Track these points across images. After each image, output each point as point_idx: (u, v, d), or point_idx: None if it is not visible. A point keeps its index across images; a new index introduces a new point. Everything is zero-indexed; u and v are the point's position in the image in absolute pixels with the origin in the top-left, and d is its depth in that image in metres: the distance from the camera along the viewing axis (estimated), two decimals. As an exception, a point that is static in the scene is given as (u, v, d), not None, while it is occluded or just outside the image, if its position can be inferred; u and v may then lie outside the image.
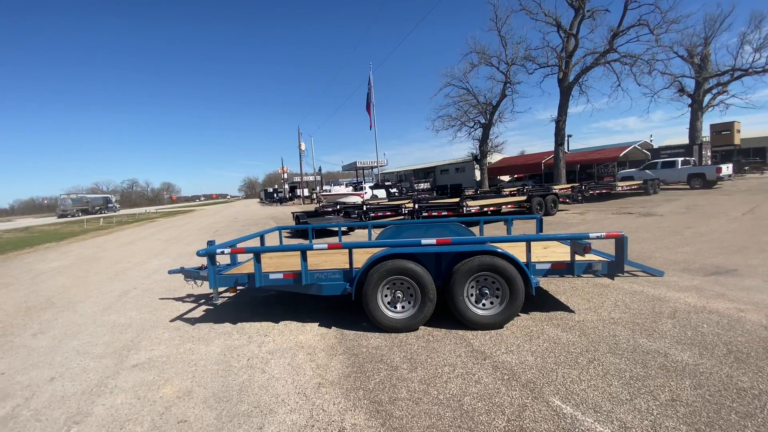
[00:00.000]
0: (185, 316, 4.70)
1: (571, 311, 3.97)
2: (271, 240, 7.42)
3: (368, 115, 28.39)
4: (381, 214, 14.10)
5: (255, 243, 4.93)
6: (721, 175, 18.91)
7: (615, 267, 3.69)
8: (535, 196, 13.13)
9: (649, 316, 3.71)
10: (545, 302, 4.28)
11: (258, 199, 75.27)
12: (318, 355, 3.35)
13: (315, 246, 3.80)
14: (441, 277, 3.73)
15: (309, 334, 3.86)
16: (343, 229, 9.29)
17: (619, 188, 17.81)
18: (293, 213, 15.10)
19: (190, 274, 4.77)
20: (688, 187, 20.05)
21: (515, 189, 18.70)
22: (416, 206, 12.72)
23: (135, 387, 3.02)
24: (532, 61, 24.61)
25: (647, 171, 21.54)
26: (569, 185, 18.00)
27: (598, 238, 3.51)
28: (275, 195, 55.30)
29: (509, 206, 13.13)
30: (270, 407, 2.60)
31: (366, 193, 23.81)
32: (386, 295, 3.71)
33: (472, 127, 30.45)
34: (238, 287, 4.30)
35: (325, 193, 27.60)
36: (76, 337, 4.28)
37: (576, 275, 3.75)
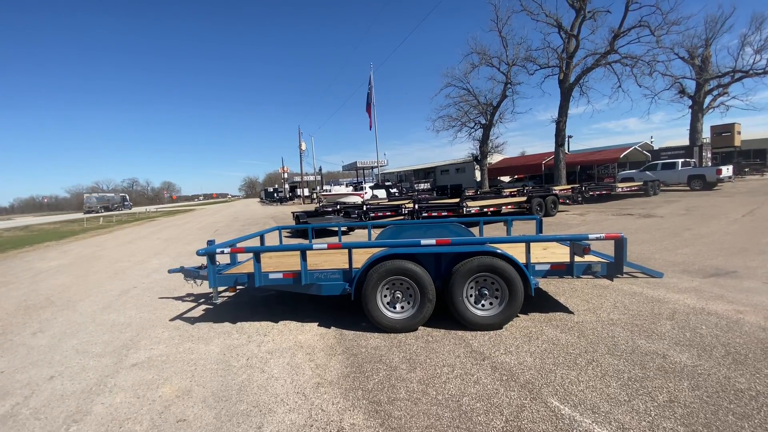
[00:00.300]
0: (185, 316, 4.70)
1: (570, 312, 3.98)
2: (271, 240, 7.43)
3: (368, 115, 28.40)
4: (381, 214, 14.11)
5: (255, 243, 4.94)
6: (721, 176, 18.91)
7: (614, 268, 3.70)
8: (535, 197, 13.13)
9: (648, 317, 3.71)
10: (544, 303, 4.28)
11: (258, 199, 75.28)
12: (317, 355, 3.35)
13: (315, 246, 3.80)
14: (440, 277, 3.73)
15: (308, 333, 3.86)
16: (343, 229, 9.30)
17: (620, 189, 17.81)
18: (293, 213, 15.11)
19: (190, 274, 4.78)
20: (688, 188, 20.05)
21: (515, 190, 18.69)
22: (416, 206, 12.73)
23: (134, 386, 3.02)
24: (533, 61, 24.65)
25: (647, 172, 21.55)
26: (569, 186, 18.00)
27: (597, 239, 3.52)
28: (275, 195, 55.33)
29: (509, 207, 13.13)
30: (269, 407, 2.61)
31: (366, 193, 23.82)
32: (386, 296, 3.71)
33: (473, 127, 30.48)
34: (238, 287, 4.31)
35: (325, 193, 27.62)
36: (76, 336, 4.29)
37: (575, 276, 3.75)
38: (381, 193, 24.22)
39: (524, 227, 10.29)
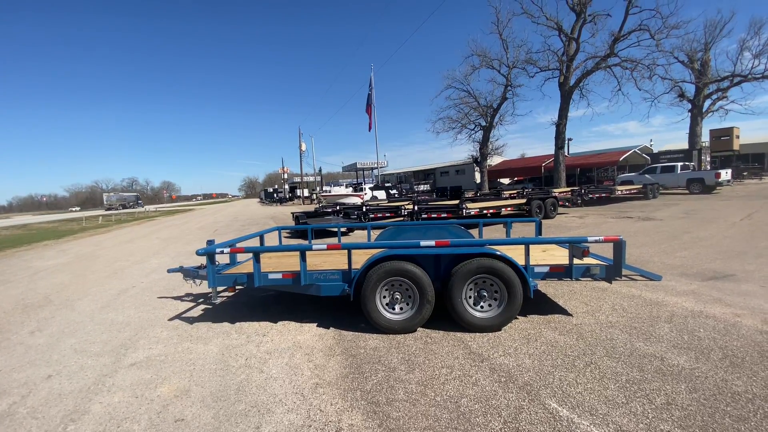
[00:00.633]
0: (184, 315, 4.70)
1: (569, 314, 3.99)
2: (271, 240, 7.43)
3: (368, 116, 28.43)
4: (380, 215, 14.12)
5: (254, 243, 4.94)
6: (720, 180, 18.98)
7: (613, 271, 3.71)
8: (535, 199, 13.15)
9: (646, 320, 3.72)
10: (543, 305, 4.29)
11: (258, 199, 75.28)
12: (316, 356, 3.35)
13: (314, 246, 3.81)
14: (439, 278, 3.74)
15: (307, 334, 3.86)
16: (343, 229, 9.31)
17: (619, 192, 17.85)
18: (293, 213, 15.10)
19: (189, 273, 4.78)
20: (687, 191, 20.10)
21: (515, 192, 18.74)
22: (416, 208, 12.74)
23: (132, 385, 3.02)
24: (533, 64, 24.68)
25: (647, 175, 21.63)
26: (569, 189, 18.04)
27: (596, 241, 3.53)
28: (275, 195, 55.35)
29: (509, 209, 13.14)
30: (267, 407, 2.61)
31: (366, 194, 23.84)
32: (385, 297, 3.72)
33: (473, 129, 30.52)
34: (237, 287, 4.30)
35: (325, 194, 27.64)
36: (74, 335, 4.28)
37: (574, 278, 3.76)
38: (381, 194, 24.26)
39: (524, 229, 10.31)
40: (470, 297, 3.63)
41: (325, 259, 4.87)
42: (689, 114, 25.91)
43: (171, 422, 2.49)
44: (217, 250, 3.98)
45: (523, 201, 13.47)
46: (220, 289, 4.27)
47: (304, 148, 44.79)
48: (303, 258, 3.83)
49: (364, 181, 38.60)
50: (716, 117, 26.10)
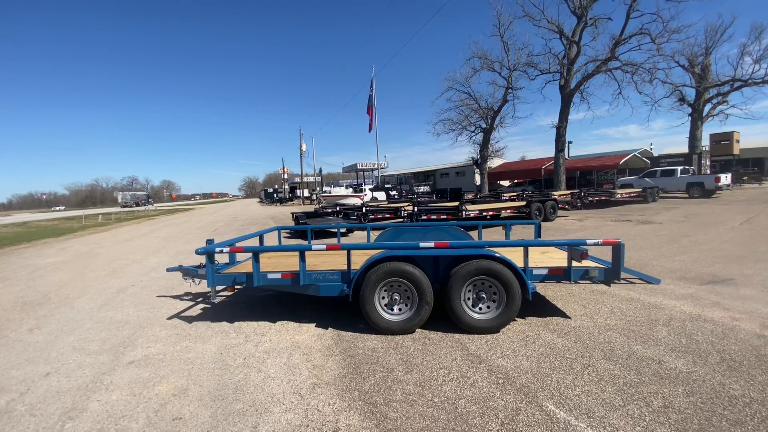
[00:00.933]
0: (183, 314, 4.70)
1: (567, 317, 3.99)
2: (270, 240, 7.43)
3: (369, 117, 28.48)
4: (380, 216, 14.13)
5: (254, 242, 4.94)
6: (719, 184, 18.99)
7: (612, 274, 3.72)
8: (535, 202, 13.16)
9: (644, 323, 3.72)
10: (542, 307, 4.29)
11: (258, 199, 75.33)
12: (314, 356, 3.36)
13: (313, 247, 3.81)
14: (438, 280, 3.75)
15: (306, 334, 3.87)
16: (342, 230, 9.31)
17: (619, 195, 17.88)
18: (293, 213, 15.10)
19: (189, 273, 4.78)
20: (687, 195, 20.12)
21: (515, 194, 18.75)
22: (415, 209, 12.74)
23: (131, 384, 3.02)
24: (534, 67, 24.75)
25: (647, 179, 21.63)
26: (569, 191, 18.06)
27: (595, 244, 3.54)
28: (275, 195, 55.37)
29: (508, 211, 13.15)
30: (265, 406, 2.61)
31: (366, 195, 23.85)
32: (383, 297, 3.72)
33: (473, 131, 30.55)
34: (236, 286, 4.31)
35: (325, 194, 27.66)
36: (73, 333, 4.29)
37: (573, 281, 3.77)
38: (381, 196, 24.24)
39: (523, 232, 10.32)
40: (469, 298, 3.64)
41: (325, 259, 4.88)
42: (689, 118, 25.94)
43: (169, 420, 2.50)
44: (217, 249, 3.99)
45: (523, 203, 13.47)
46: (219, 288, 4.28)
47: (304, 148, 44.86)
48: (302, 258, 3.84)
49: (364, 182, 38.60)
50: (716, 121, 26.26)
